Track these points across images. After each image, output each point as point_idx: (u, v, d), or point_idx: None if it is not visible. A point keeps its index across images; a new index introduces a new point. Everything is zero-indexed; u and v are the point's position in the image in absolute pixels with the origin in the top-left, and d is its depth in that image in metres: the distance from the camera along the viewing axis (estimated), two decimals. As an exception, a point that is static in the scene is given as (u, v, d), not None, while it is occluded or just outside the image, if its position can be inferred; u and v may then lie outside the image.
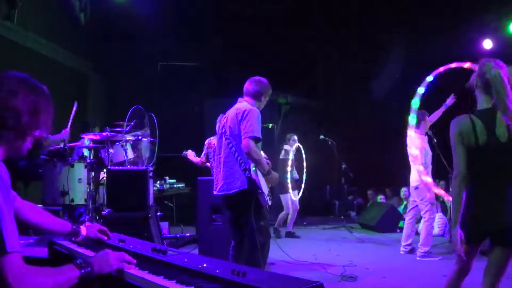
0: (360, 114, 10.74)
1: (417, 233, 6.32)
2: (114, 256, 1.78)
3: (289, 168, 7.37)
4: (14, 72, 1.67)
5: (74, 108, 5.61)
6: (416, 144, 5.64)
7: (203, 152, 6.07)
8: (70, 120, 5.49)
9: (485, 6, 8.40)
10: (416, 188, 5.74)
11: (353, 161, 9.46)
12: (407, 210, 6.17)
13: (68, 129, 5.36)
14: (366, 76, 10.32)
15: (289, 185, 7.29)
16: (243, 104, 3.63)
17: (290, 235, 7.47)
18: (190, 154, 6.22)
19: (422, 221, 5.89)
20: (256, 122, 3.44)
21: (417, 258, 5.63)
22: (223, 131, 3.63)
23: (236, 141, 3.50)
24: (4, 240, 1.43)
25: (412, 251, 5.94)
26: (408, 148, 5.80)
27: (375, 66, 10.10)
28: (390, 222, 8.13)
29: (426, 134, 5.83)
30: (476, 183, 2.55)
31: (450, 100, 5.76)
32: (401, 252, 6.00)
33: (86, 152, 5.68)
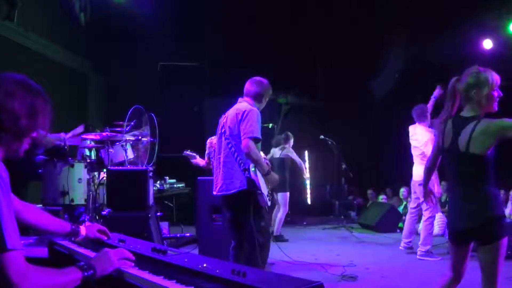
0: (360, 114, 10.74)
1: (417, 233, 6.32)
2: (114, 254, 1.78)
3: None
4: (11, 73, 1.66)
5: (80, 129, 5.45)
6: (424, 137, 5.64)
7: (206, 152, 6.07)
8: (70, 133, 5.31)
9: (485, 6, 8.39)
10: (421, 184, 5.71)
11: (353, 161, 9.46)
12: (413, 206, 6.07)
13: (65, 135, 5.24)
14: (366, 76, 10.32)
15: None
16: (243, 104, 3.63)
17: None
18: (198, 160, 6.22)
19: (422, 220, 5.89)
20: (256, 122, 3.44)
21: (418, 257, 5.63)
22: (222, 131, 3.64)
23: (236, 141, 3.50)
24: (4, 238, 1.44)
25: (411, 248, 5.95)
26: (414, 142, 5.80)
27: (375, 66, 10.09)
28: (390, 222, 8.14)
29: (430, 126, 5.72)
30: (449, 182, 2.73)
31: (437, 92, 5.72)
32: (401, 248, 6.01)
33: (87, 152, 5.64)
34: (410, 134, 5.91)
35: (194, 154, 6.24)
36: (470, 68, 2.63)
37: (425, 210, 5.67)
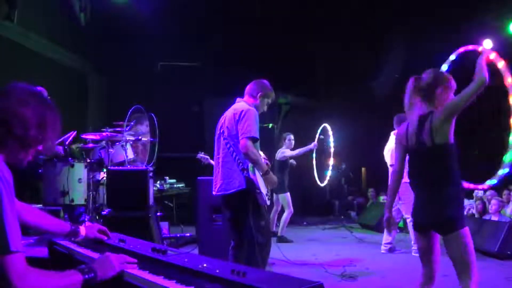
0: (360, 114, 10.74)
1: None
2: (115, 258, 1.78)
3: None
4: (25, 83, 1.67)
5: (71, 135, 5.41)
6: (390, 144, 5.93)
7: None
8: (65, 142, 5.27)
9: (485, 6, 8.40)
10: None
11: (353, 161, 9.46)
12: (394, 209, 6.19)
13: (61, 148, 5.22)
14: (366, 76, 10.32)
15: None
16: (240, 104, 3.63)
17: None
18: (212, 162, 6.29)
19: (408, 220, 5.94)
20: (253, 122, 3.44)
21: (413, 254, 5.68)
22: (221, 131, 3.64)
23: (234, 141, 3.50)
24: (8, 240, 1.45)
25: (392, 249, 6.01)
26: (388, 151, 6.01)
27: (375, 66, 10.09)
28: (390, 222, 8.13)
29: None
30: (414, 180, 2.83)
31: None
32: (382, 251, 6.08)
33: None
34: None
35: (207, 156, 6.30)
36: (430, 70, 2.82)
37: (405, 212, 5.77)
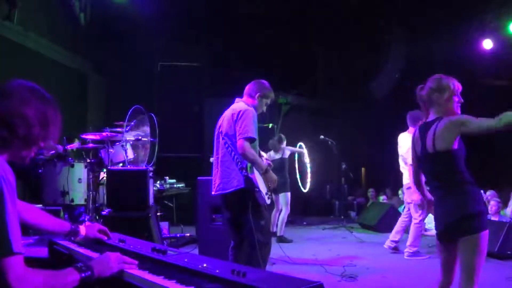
0: (360, 114, 10.74)
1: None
2: (115, 258, 1.77)
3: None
4: (23, 80, 1.67)
5: (76, 144, 5.45)
6: (406, 144, 5.72)
7: None
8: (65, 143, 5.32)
9: (485, 6, 8.40)
10: (409, 188, 5.78)
11: (353, 161, 9.45)
12: (405, 209, 6.18)
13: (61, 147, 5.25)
14: (366, 76, 10.33)
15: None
16: (239, 104, 3.64)
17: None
18: None
19: (412, 222, 5.94)
20: (251, 122, 3.44)
21: (405, 257, 5.68)
22: (219, 131, 3.65)
23: (232, 141, 3.50)
24: (11, 242, 1.46)
25: (396, 248, 6.03)
26: (399, 149, 5.91)
27: (375, 66, 10.09)
28: (390, 222, 8.09)
29: None
30: (428, 187, 2.83)
31: None
32: (385, 246, 6.10)
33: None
34: (398, 143, 6.01)
35: None
36: (434, 75, 2.78)
37: (416, 212, 5.72)
